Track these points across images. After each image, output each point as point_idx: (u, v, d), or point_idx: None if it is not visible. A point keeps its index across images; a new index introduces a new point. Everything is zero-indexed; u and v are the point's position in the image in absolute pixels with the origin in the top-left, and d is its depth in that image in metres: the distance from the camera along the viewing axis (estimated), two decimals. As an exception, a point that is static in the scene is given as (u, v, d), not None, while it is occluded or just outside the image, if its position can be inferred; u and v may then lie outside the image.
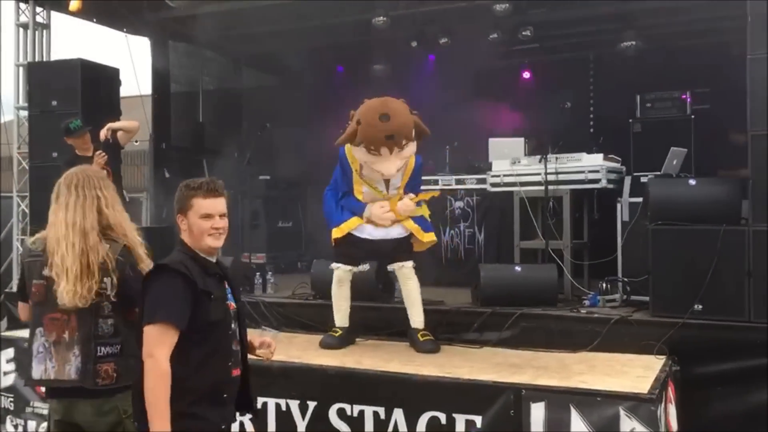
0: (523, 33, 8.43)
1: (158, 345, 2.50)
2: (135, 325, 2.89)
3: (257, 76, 10.52)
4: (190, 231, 2.67)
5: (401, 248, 5.19)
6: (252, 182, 8.10)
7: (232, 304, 2.75)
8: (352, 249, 5.19)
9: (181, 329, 2.53)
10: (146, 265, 2.96)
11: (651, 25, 8.57)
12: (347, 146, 5.10)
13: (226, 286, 2.75)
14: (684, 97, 7.99)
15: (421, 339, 5.04)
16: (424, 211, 5.27)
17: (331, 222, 5.29)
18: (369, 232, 5.14)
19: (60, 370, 2.91)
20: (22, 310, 3.17)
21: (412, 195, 5.13)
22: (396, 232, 5.14)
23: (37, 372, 2.96)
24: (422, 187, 5.55)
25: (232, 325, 2.72)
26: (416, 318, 5.13)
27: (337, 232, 5.20)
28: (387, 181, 5.10)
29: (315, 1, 7.95)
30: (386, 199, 5.14)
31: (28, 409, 5.30)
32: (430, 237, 5.22)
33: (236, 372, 2.71)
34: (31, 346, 2.98)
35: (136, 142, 10.89)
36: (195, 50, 9.47)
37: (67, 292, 2.83)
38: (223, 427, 2.68)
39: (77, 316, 2.89)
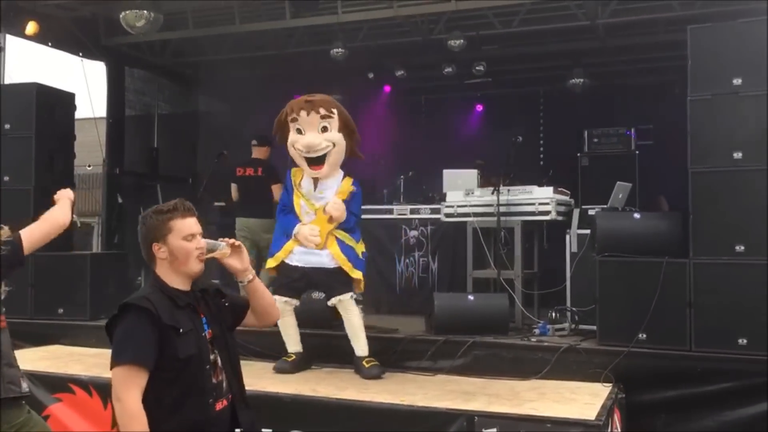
0: (477, 68, 8.69)
1: (125, 387, 2.38)
2: (3, 332, 2.96)
3: (212, 102, 10.53)
4: (173, 257, 2.54)
5: (337, 280, 5.21)
6: (206, 209, 8.08)
7: (210, 332, 2.60)
8: (289, 278, 5.26)
9: (149, 369, 2.40)
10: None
11: (598, 63, 8.95)
12: (293, 169, 5.33)
13: (202, 315, 2.60)
14: (629, 133, 8.33)
15: (366, 365, 5.11)
16: (359, 248, 5.33)
17: (271, 250, 5.39)
18: (299, 259, 5.21)
19: None
20: None
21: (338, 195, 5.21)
22: (327, 260, 5.17)
23: None
24: (367, 217, 5.58)
25: (210, 357, 2.56)
26: (359, 347, 5.20)
27: (271, 262, 5.31)
28: (316, 180, 5.19)
29: (272, 31, 8.07)
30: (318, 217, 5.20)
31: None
32: (357, 275, 5.22)
33: (220, 405, 2.56)
34: None
35: (89, 166, 10.80)
36: (151, 76, 9.45)
37: None
38: None
39: None
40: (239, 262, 2.70)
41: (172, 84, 9.88)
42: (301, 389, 4.70)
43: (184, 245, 2.56)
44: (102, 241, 8.70)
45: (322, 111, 5.06)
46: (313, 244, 5.16)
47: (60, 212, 3.21)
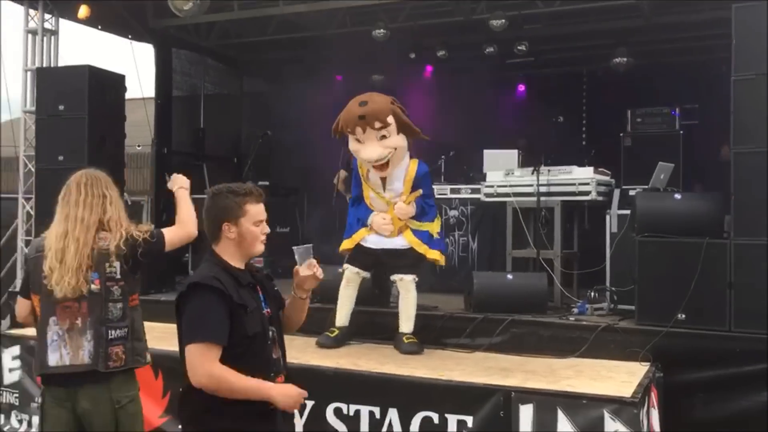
0: (518, 48, 8.65)
1: (207, 362, 2.46)
2: (136, 309, 3.17)
3: (256, 83, 10.71)
4: (242, 239, 2.61)
5: (404, 260, 5.34)
6: (251, 188, 8.24)
7: (268, 311, 2.69)
8: (361, 256, 5.43)
9: (223, 346, 2.48)
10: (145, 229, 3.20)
11: (642, 42, 8.82)
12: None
13: (260, 293, 2.69)
14: (673, 113, 8.22)
15: (406, 341, 5.24)
16: (433, 228, 5.41)
17: (345, 234, 5.53)
18: (373, 242, 5.36)
19: (74, 355, 3.08)
20: (21, 306, 3.29)
21: (404, 197, 5.31)
22: (399, 243, 5.32)
23: (52, 360, 3.10)
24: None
25: (270, 333, 2.66)
26: (406, 324, 5.33)
27: (346, 244, 5.44)
28: (384, 179, 5.27)
29: (315, 12, 8.15)
30: (389, 207, 5.33)
31: (33, 405, 5.43)
32: (433, 255, 5.34)
33: (280, 380, 2.67)
34: (45, 337, 3.13)
35: (139, 146, 11.09)
36: (197, 57, 9.64)
37: (62, 284, 3.01)
38: None
39: (88, 302, 3.06)
40: (312, 281, 2.80)
41: (217, 65, 10.07)
42: (343, 363, 4.84)
43: (254, 230, 2.64)
44: (151, 219, 8.96)
45: (377, 125, 5.05)
46: (387, 232, 5.29)
47: (191, 220, 3.41)
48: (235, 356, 2.51)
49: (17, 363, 5.55)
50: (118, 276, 3.11)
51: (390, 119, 5.09)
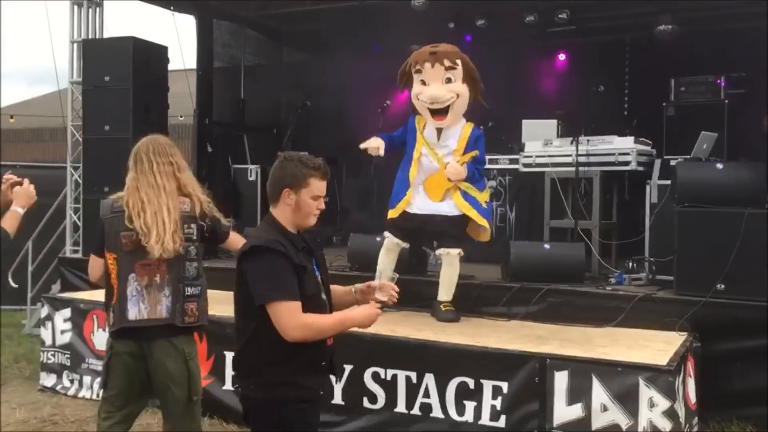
0: (560, 16, 8.52)
1: (296, 315, 2.58)
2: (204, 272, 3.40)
3: (295, 54, 10.77)
4: (297, 208, 2.70)
5: (452, 231, 5.32)
6: (291, 158, 8.35)
7: (319, 275, 2.79)
8: (404, 224, 5.41)
9: (296, 300, 2.60)
10: (223, 221, 3.46)
11: (688, 9, 8.59)
12: (417, 116, 5.44)
13: (312, 257, 2.80)
14: (719, 81, 8.03)
15: (443, 309, 5.30)
16: (482, 197, 5.39)
17: (391, 203, 5.51)
18: (419, 207, 5.33)
19: (152, 310, 3.27)
20: (95, 264, 3.46)
21: (458, 158, 5.30)
22: (446, 209, 5.29)
23: (132, 314, 3.29)
24: None
25: (323, 296, 2.77)
26: (444, 293, 5.38)
27: (392, 213, 5.44)
28: (440, 131, 5.30)
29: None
30: (440, 166, 5.29)
31: (84, 365, 5.68)
32: (484, 222, 5.32)
33: (330, 341, 2.79)
34: (125, 292, 3.30)
35: (181, 117, 11.29)
36: (237, 28, 9.74)
37: (160, 245, 3.19)
38: (321, 393, 2.79)
39: (167, 260, 3.25)
40: (382, 296, 2.89)
41: (257, 36, 10.15)
42: (380, 329, 4.90)
43: (311, 203, 2.72)
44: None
45: (447, 62, 5.13)
46: (460, 177, 5.22)
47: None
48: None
49: (68, 325, 5.78)
50: (195, 237, 3.32)
51: (459, 62, 5.17)
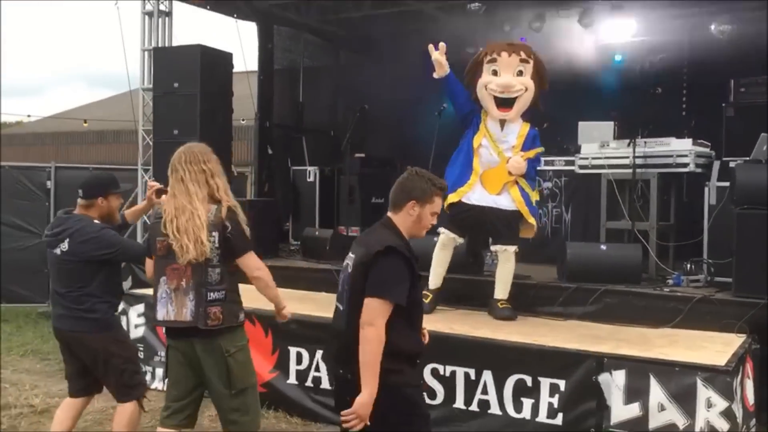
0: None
1: (380, 317, 2.81)
2: (234, 275, 3.46)
3: (353, 57, 10.97)
4: (418, 220, 2.97)
5: (508, 228, 5.43)
6: (348, 160, 8.59)
7: None
8: (461, 215, 5.48)
9: (402, 305, 2.84)
10: (246, 225, 3.47)
11: (747, 8, 8.47)
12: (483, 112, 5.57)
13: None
14: (779, 82, 7.90)
15: (500, 306, 5.41)
16: (534, 196, 5.54)
17: (450, 188, 5.46)
18: (476, 199, 5.43)
19: (178, 312, 3.43)
20: (148, 265, 3.68)
21: (522, 153, 5.43)
22: (505, 202, 5.40)
23: (160, 314, 3.49)
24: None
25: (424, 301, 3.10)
26: (500, 291, 5.48)
27: (453, 197, 5.45)
28: (502, 126, 5.44)
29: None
30: (501, 159, 5.42)
31: (156, 358, 5.98)
32: (532, 221, 5.47)
33: (425, 342, 3.11)
34: (156, 293, 3.51)
35: (243, 120, 11.63)
36: (296, 33, 10.00)
37: (186, 251, 3.33)
38: (418, 384, 3.07)
39: (192, 265, 3.38)
40: None
41: (315, 40, 10.40)
42: (439, 327, 5.04)
43: (429, 218, 3.01)
44: (254, 189, 9.45)
45: (523, 54, 5.33)
46: (521, 172, 5.38)
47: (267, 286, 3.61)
48: (407, 315, 2.90)
49: (142, 320, 6.09)
50: (217, 244, 3.39)
51: (532, 58, 5.35)
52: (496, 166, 5.43)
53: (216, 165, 3.53)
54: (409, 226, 2.99)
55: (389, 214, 3.02)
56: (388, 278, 2.84)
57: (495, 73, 5.37)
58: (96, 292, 3.89)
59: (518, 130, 5.47)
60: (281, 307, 3.77)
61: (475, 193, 5.45)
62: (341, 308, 3.04)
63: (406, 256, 2.87)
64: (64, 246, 3.88)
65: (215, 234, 3.38)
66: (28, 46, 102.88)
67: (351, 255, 3.03)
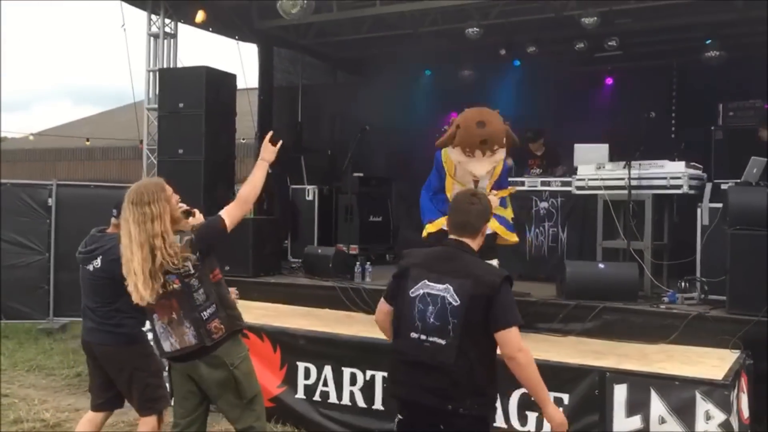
0: (609, 44, 8.77)
1: (521, 341, 2.95)
2: (219, 284, 3.48)
3: (351, 79, 11.18)
4: (482, 237, 3.13)
5: (490, 250, 5.53)
6: (347, 179, 8.74)
7: None
8: (443, 240, 5.67)
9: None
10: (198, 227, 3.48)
11: (735, 35, 8.78)
12: (444, 151, 5.65)
13: None
14: (766, 106, 8.19)
15: None
16: (508, 214, 5.76)
17: (425, 217, 5.79)
18: None
19: (181, 341, 3.44)
20: None
21: (495, 191, 5.59)
22: None
23: (166, 347, 3.51)
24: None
25: None
26: None
27: (431, 227, 5.68)
28: (476, 182, 5.60)
29: (408, 12, 8.51)
30: None
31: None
32: (513, 237, 5.72)
33: None
34: (154, 329, 3.54)
35: (243, 139, 11.77)
36: (295, 55, 10.20)
37: (136, 292, 3.34)
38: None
39: (176, 298, 3.39)
40: None
41: (313, 61, 10.60)
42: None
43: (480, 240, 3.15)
44: (254, 207, 9.53)
45: (495, 147, 5.32)
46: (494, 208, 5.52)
47: (252, 197, 3.68)
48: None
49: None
50: (192, 270, 3.39)
51: (504, 142, 5.38)
52: None
53: (163, 205, 3.36)
54: (477, 245, 3.12)
55: (465, 239, 3.09)
56: (513, 304, 2.97)
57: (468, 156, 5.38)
58: (124, 307, 3.96)
59: (491, 172, 5.55)
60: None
61: None
62: (440, 342, 2.93)
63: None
64: (97, 263, 4.00)
65: (188, 263, 3.34)
66: (16, 60, 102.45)
67: (438, 285, 2.97)
